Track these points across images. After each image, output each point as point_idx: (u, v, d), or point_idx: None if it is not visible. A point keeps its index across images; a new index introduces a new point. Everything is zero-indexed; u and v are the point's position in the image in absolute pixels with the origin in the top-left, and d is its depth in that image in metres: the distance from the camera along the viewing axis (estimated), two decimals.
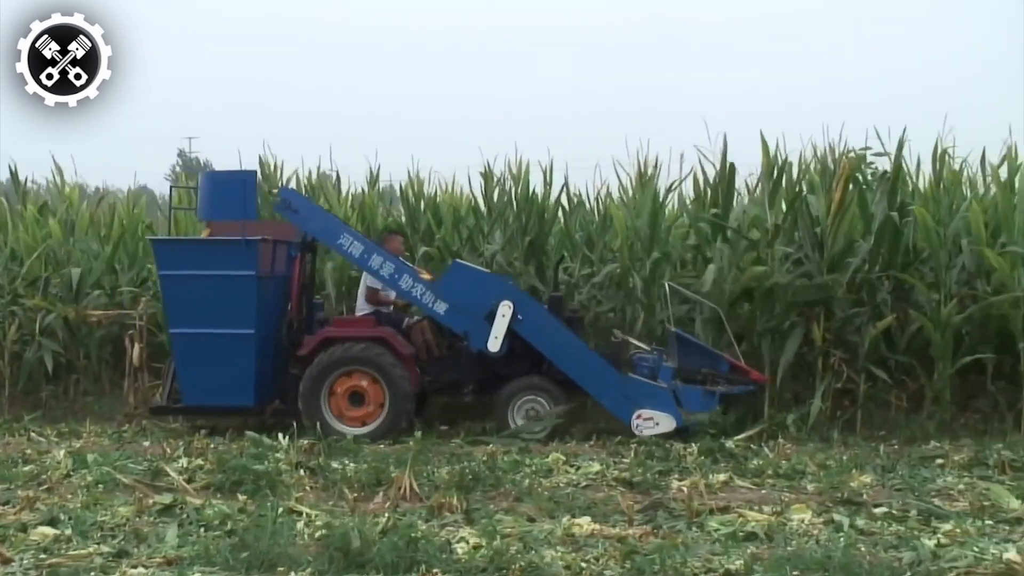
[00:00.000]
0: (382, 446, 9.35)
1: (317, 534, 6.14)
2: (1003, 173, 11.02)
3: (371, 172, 13.16)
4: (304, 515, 6.65)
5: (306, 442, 8.87)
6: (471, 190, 12.96)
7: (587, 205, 12.83)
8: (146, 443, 9.65)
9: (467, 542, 5.96)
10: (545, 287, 11.63)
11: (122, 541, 6.14)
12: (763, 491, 7.41)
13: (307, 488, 7.55)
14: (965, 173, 11.60)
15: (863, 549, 5.73)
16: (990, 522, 6.35)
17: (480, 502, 7.02)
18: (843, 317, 10.29)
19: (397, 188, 13.48)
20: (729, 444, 8.92)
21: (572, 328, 10.13)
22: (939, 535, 6.02)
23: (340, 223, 10.89)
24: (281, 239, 10.43)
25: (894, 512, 6.60)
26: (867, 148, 11.06)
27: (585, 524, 6.35)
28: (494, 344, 9.84)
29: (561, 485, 7.62)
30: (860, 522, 6.36)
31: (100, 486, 7.61)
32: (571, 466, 8.28)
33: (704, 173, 11.56)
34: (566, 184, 12.57)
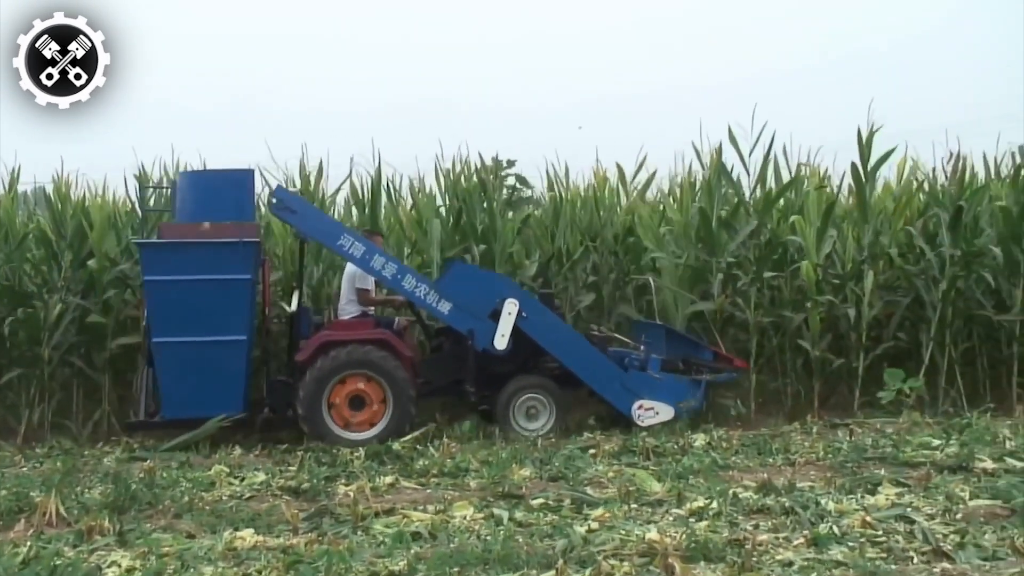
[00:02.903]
0: (24, 469, 8.65)
1: None
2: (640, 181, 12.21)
3: (10, 173, 12.07)
4: None
5: None
6: (127, 193, 12.18)
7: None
8: None
9: (119, 565, 5.62)
10: None
11: None
12: (428, 490, 7.52)
13: None
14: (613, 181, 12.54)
15: (521, 540, 5.94)
16: (635, 505, 6.79)
17: (135, 522, 6.64)
18: None
19: (46, 190, 12.46)
20: (396, 446, 9.02)
21: None
22: (590, 521, 6.37)
23: (339, 224, 10.52)
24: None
25: (550, 502, 6.92)
26: (502, 160, 11.81)
27: (248, 536, 6.15)
28: (501, 342, 9.79)
29: (224, 498, 7.36)
30: (519, 514, 6.60)
31: None
32: (235, 478, 8.03)
33: (362, 179, 12.03)
34: None
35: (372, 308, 10.34)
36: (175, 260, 9.49)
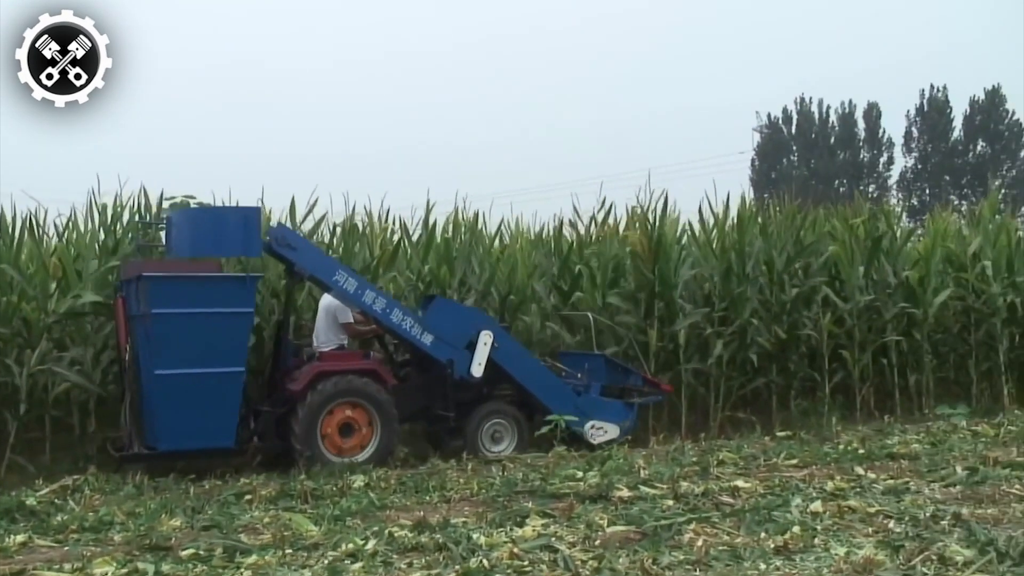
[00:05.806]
0: None
1: None
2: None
3: None
4: None
5: None
6: None
7: None
8: None
9: None
10: None
11: None
12: (66, 548, 6.98)
13: None
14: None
15: None
16: (291, 551, 6.64)
17: None
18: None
19: None
20: (31, 501, 8.34)
21: None
22: (243, 570, 6.19)
23: (334, 261, 11.04)
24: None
25: (201, 552, 6.62)
26: (190, 196, 11.46)
27: None
28: (478, 370, 10.68)
29: None
30: (166, 567, 6.28)
31: None
32: None
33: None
34: None
35: (347, 340, 10.92)
36: (182, 293, 9.62)
